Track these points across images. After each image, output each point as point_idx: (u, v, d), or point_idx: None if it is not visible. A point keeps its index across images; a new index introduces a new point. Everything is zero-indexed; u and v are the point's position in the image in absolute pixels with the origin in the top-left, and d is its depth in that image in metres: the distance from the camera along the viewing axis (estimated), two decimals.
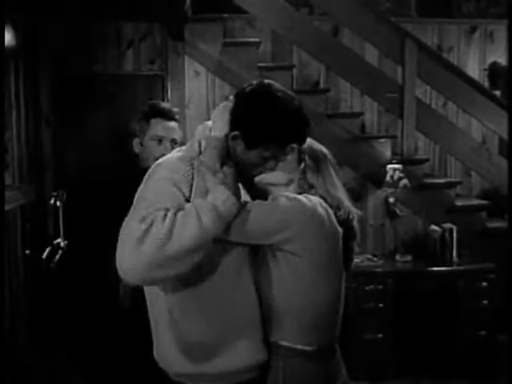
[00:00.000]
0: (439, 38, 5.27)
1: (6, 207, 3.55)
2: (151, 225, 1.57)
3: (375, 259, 4.36)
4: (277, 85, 1.83)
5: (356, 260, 4.32)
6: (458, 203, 4.55)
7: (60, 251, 4.04)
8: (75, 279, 4.29)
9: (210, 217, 1.61)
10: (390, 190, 4.33)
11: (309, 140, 1.95)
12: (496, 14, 5.35)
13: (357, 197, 4.50)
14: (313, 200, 1.83)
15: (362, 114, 5.00)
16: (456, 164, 5.13)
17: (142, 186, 1.79)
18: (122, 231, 1.61)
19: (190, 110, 4.61)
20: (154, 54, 4.60)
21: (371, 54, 4.95)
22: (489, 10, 5.54)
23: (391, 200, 4.36)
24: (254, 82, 1.84)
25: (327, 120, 4.52)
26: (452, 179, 5.00)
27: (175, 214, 1.61)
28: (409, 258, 4.34)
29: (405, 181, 4.25)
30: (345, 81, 4.73)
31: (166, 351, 1.83)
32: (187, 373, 1.81)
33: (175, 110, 3.13)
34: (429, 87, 4.89)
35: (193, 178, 1.75)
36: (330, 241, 1.84)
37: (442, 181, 4.81)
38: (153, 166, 1.84)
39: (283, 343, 1.84)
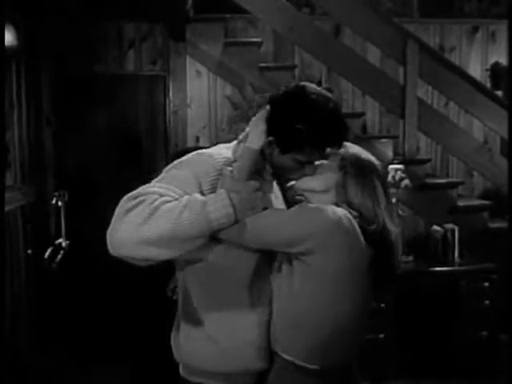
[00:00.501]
0: (441, 38, 5.26)
1: (8, 207, 3.55)
2: (139, 204, 1.60)
3: None
4: (311, 86, 1.78)
5: None
6: (460, 203, 4.54)
7: (62, 251, 4.06)
8: (77, 279, 4.30)
9: (191, 217, 1.59)
10: (392, 190, 4.29)
11: (358, 149, 1.88)
12: (498, 14, 5.33)
13: None
14: (338, 212, 1.70)
15: (363, 114, 4.99)
16: (458, 164, 5.12)
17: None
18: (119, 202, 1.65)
19: (191, 110, 4.61)
20: (155, 54, 4.61)
21: (373, 54, 4.94)
22: (491, 10, 5.52)
23: (393, 200, 4.34)
24: (291, 84, 1.81)
25: None
26: (454, 179, 4.99)
27: (165, 201, 1.60)
28: (410, 258, 4.33)
29: (406, 181, 4.20)
30: (346, 81, 4.72)
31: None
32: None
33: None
34: (430, 87, 4.88)
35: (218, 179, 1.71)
36: (354, 256, 1.71)
37: (443, 181, 4.80)
38: (194, 153, 1.81)
39: (285, 356, 1.78)
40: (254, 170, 1.71)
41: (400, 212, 4.37)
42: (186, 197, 1.63)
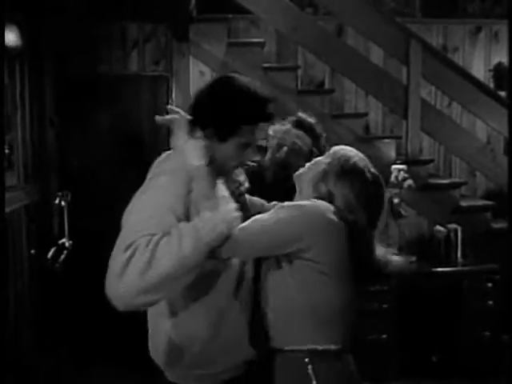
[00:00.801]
0: (444, 38, 5.26)
1: (11, 207, 3.56)
2: (134, 253, 1.57)
3: None
4: (229, 74, 1.93)
5: None
6: (463, 204, 4.54)
7: (65, 251, 4.07)
8: (80, 279, 4.31)
9: (191, 246, 1.59)
10: (395, 191, 4.31)
11: (348, 149, 1.94)
12: (501, 14, 5.33)
13: None
14: (322, 206, 1.80)
15: (366, 114, 4.99)
16: (461, 164, 5.11)
17: (140, 193, 1.77)
18: (111, 257, 1.61)
19: None
20: (158, 55, 4.62)
21: (376, 54, 4.95)
22: (494, 10, 5.52)
23: (396, 200, 4.34)
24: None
25: (332, 120, 4.51)
26: (457, 180, 4.99)
27: (159, 240, 1.59)
28: (413, 258, 4.32)
29: (409, 181, 4.24)
30: (349, 81, 4.72)
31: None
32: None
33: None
34: (434, 87, 4.88)
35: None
36: (343, 245, 1.81)
37: (446, 181, 4.80)
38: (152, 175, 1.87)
39: (298, 347, 1.79)
40: (214, 179, 1.75)
41: (403, 212, 4.39)
42: (175, 229, 1.62)
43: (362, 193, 1.86)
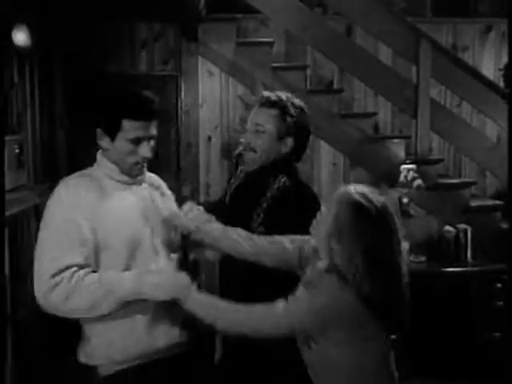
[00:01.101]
0: (454, 38, 5.23)
1: (21, 207, 3.58)
2: (59, 283, 1.83)
3: None
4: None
5: None
6: (473, 204, 4.52)
7: None
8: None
9: (107, 300, 1.88)
10: (404, 191, 4.30)
11: (352, 191, 1.81)
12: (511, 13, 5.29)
13: None
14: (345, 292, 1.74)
15: (375, 114, 4.98)
16: (470, 164, 5.09)
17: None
18: (35, 267, 1.89)
19: (203, 110, 4.62)
20: (167, 55, 4.62)
21: (385, 54, 4.93)
22: (504, 10, 5.48)
23: (405, 200, 4.33)
24: None
25: (341, 120, 4.51)
26: (467, 179, 4.96)
27: (83, 277, 1.85)
28: (423, 258, 4.32)
29: (419, 181, 4.23)
30: (359, 81, 4.72)
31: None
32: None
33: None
34: (443, 87, 4.86)
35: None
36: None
37: (456, 181, 4.78)
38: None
39: None
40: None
41: (412, 212, 4.38)
42: (98, 275, 1.89)
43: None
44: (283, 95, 2.25)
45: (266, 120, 2.22)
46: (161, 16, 4.49)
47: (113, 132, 1.96)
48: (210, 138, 4.62)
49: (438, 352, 4.09)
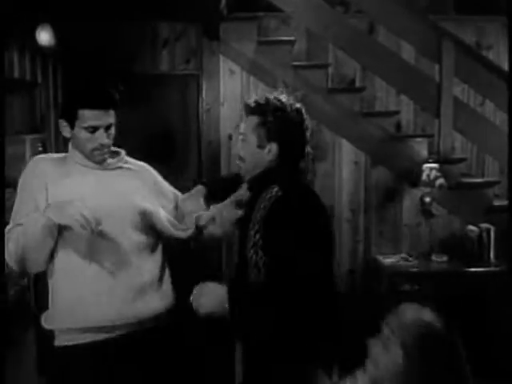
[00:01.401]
0: (478, 36, 5.18)
1: None
2: (8, 240, 2.13)
3: (410, 259, 4.32)
4: None
5: (391, 260, 4.31)
6: (496, 203, 4.47)
7: None
8: None
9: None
10: (426, 190, 4.27)
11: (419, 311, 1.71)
12: None
13: (392, 196, 4.48)
14: None
15: (397, 112, 4.94)
16: (494, 164, 5.04)
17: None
18: None
19: (224, 109, 4.62)
20: (189, 54, 4.63)
21: (407, 52, 4.90)
22: None
23: (427, 199, 4.30)
24: None
25: (362, 119, 4.49)
26: (490, 179, 4.91)
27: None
28: (445, 258, 4.29)
29: (441, 180, 4.20)
30: (380, 79, 4.69)
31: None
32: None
33: None
34: (466, 86, 4.81)
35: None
36: None
37: (479, 180, 4.74)
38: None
39: None
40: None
41: (434, 211, 4.35)
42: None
43: None
44: (263, 99, 2.13)
45: (246, 128, 2.16)
46: (182, 15, 4.50)
47: (71, 121, 2.16)
48: (230, 137, 4.62)
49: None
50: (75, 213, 2.00)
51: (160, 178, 2.54)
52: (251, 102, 2.15)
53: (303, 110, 2.20)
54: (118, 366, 2.21)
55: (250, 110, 2.15)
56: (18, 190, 2.23)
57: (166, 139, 4.71)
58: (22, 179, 2.24)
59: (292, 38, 4.65)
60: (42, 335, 3.28)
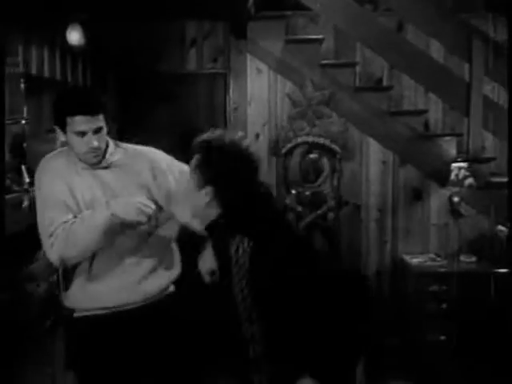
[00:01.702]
0: (508, 34, 5.10)
1: None
2: (55, 241, 2.22)
3: (439, 259, 4.28)
4: None
5: (419, 260, 4.27)
6: None
7: None
8: None
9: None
10: (455, 189, 4.23)
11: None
12: None
13: (420, 196, 4.45)
14: None
15: (426, 111, 4.90)
16: None
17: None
18: (39, 231, 2.29)
19: (251, 108, 4.63)
20: (216, 52, 4.66)
21: (436, 50, 4.85)
22: None
23: (456, 199, 4.26)
24: None
25: (390, 118, 4.46)
26: None
27: (70, 226, 2.23)
28: (474, 258, 4.24)
29: (470, 179, 4.15)
30: (409, 77, 4.65)
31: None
32: None
33: None
34: (496, 84, 4.75)
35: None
36: None
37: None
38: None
39: None
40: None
41: (463, 211, 4.30)
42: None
43: None
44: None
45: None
46: (210, 14, 4.53)
47: (62, 127, 2.28)
48: (257, 136, 4.63)
49: (488, 356, 4.00)
50: (144, 208, 2.24)
51: (159, 157, 2.63)
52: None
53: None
54: (132, 334, 2.39)
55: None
56: (41, 191, 2.33)
57: (193, 137, 4.73)
58: (39, 179, 2.35)
59: (320, 37, 4.63)
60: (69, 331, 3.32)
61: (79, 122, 2.25)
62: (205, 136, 1.99)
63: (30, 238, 3.02)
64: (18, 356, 2.85)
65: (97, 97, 2.37)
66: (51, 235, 2.23)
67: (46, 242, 2.26)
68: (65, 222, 2.24)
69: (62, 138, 2.34)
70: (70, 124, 2.25)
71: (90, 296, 2.37)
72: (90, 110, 2.27)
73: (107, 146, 2.41)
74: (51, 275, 3.36)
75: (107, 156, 2.41)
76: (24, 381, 2.92)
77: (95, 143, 2.29)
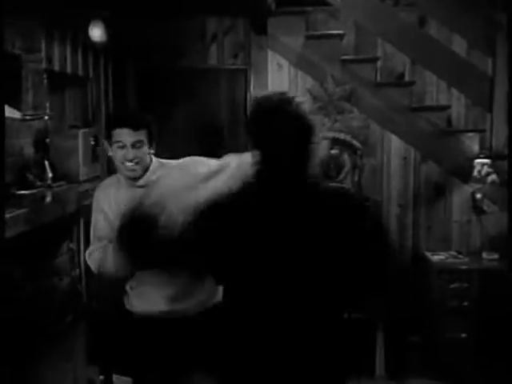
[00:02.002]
0: None
1: None
2: (92, 253, 2.46)
3: (460, 256, 4.25)
4: None
5: (440, 257, 4.24)
6: None
7: None
8: None
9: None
10: (477, 186, 4.20)
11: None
12: None
13: (441, 192, 4.42)
14: None
15: (448, 107, 4.85)
16: None
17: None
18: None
19: None
20: (237, 48, 4.65)
21: (459, 45, 4.79)
22: None
23: (478, 196, 4.23)
24: None
25: (412, 113, 4.43)
26: None
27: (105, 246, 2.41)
28: (496, 256, 4.20)
29: (493, 176, 4.11)
30: (431, 73, 4.61)
31: None
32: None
33: None
34: None
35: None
36: None
37: None
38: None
39: None
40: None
41: (486, 208, 4.26)
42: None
43: None
44: None
45: None
46: (231, 10, 4.53)
47: (109, 140, 2.45)
48: None
49: (509, 353, 3.97)
50: None
51: (195, 171, 2.54)
52: None
53: None
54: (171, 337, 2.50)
55: None
56: (92, 210, 2.56)
57: (214, 133, 4.75)
58: (94, 202, 2.58)
59: (340, 32, 4.61)
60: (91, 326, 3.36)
61: (119, 134, 2.39)
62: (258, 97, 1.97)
63: (53, 232, 3.06)
64: (40, 351, 2.88)
65: (141, 113, 2.58)
66: (90, 253, 2.48)
67: (87, 252, 2.52)
68: (105, 239, 2.43)
69: (109, 152, 2.48)
70: (113, 136, 2.41)
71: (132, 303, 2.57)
72: (130, 124, 2.40)
73: (149, 165, 2.50)
74: (74, 270, 3.40)
75: (148, 174, 2.49)
76: (45, 375, 2.95)
77: (130, 155, 2.39)
